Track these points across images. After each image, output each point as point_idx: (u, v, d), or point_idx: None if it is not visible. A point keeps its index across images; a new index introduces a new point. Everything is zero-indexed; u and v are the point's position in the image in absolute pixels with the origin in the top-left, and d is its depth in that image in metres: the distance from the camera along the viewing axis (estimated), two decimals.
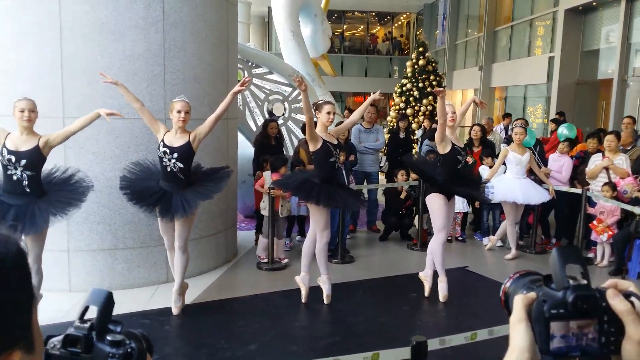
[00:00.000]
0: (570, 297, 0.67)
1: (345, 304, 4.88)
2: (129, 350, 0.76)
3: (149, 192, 4.36)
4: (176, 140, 4.32)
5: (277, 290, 5.16)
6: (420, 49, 13.20)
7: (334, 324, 4.50)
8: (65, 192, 4.20)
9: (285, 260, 5.91)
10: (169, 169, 4.33)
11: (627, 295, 0.69)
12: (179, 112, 4.29)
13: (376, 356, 2.72)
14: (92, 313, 0.77)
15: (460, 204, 6.77)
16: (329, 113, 4.59)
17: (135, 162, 4.55)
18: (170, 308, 4.51)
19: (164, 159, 4.31)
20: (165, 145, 4.30)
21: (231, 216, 6.07)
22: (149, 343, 0.80)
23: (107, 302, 0.77)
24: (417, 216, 6.82)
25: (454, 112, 4.88)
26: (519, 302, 0.71)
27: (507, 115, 11.35)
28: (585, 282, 0.69)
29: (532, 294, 0.72)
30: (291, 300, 4.92)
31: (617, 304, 0.68)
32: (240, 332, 4.24)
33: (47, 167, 4.24)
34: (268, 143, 6.59)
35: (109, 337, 0.76)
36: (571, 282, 0.69)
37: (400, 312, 4.76)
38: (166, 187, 4.36)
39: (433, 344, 2.84)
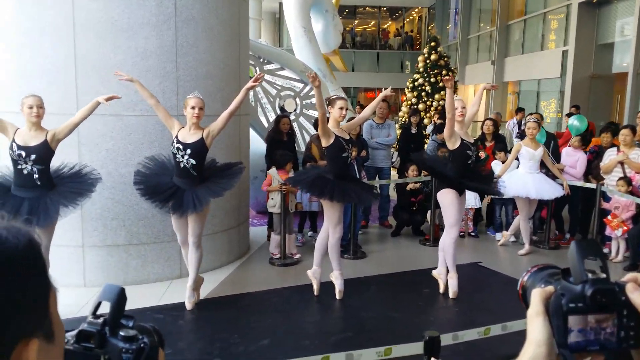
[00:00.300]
0: (588, 290, 0.67)
1: (357, 299, 4.88)
2: (141, 345, 0.77)
3: (162, 187, 4.38)
4: (190, 136, 4.34)
5: (289, 285, 5.18)
6: (432, 44, 13.13)
7: (346, 319, 4.51)
8: (75, 184, 4.30)
9: (298, 255, 5.93)
10: (182, 165, 4.35)
11: None
12: (192, 108, 4.31)
13: (389, 351, 2.72)
14: (105, 308, 0.79)
15: (473, 199, 6.74)
16: (341, 108, 4.59)
17: (150, 157, 4.58)
18: (183, 303, 4.55)
19: (177, 155, 4.33)
20: (178, 142, 4.32)
21: (243, 212, 6.10)
22: (160, 337, 0.82)
23: (120, 297, 0.78)
24: (429, 212, 6.80)
25: (464, 107, 4.85)
26: (537, 296, 0.71)
27: (519, 110, 11.27)
28: (604, 275, 0.69)
29: (550, 288, 0.71)
30: (303, 295, 4.93)
31: (637, 297, 0.67)
32: (253, 327, 4.26)
33: (56, 164, 4.34)
34: (280, 139, 6.60)
35: (121, 333, 0.77)
36: (590, 275, 0.68)
37: (412, 308, 4.76)
38: (179, 183, 4.39)
39: (446, 339, 2.84)
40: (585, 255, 0.69)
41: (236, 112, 5.41)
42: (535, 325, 0.70)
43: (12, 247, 0.59)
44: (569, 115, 9.35)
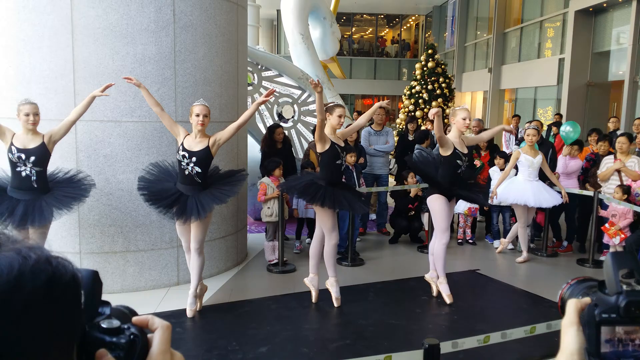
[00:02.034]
0: (622, 302, 0.67)
1: (356, 306, 4.86)
2: (131, 337, 0.65)
3: (166, 194, 4.37)
4: (195, 144, 4.34)
5: (287, 292, 5.16)
6: (430, 51, 13.18)
7: (344, 327, 4.49)
8: (70, 189, 4.38)
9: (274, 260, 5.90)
10: (186, 172, 4.35)
11: None
12: (197, 115, 4.30)
13: (389, 359, 2.71)
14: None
15: (461, 209, 6.77)
16: (340, 116, 4.60)
17: (153, 164, 4.58)
18: (181, 310, 4.52)
19: (183, 163, 4.33)
20: (184, 149, 4.32)
21: (241, 219, 6.09)
22: (133, 314, 0.71)
23: (94, 283, 0.65)
24: (424, 216, 6.77)
25: (470, 119, 4.86)
26: (572, 306, 0.72)
27: (515, 116, 11.28)
28: (639, 287, 0.69)
29: (587, 299, 0.72)
30: (301, 302, 4.91)
31: None
32: (251, 334, 4.24)
33: (50, 169, 4.42)
34: (274, 148, 6.58)
35: (103, 324, 0.64)
36: (624, 287, 0.68)
37: (411, 315, 4.74)
38: (183, 190, 4.38)
39: (445, 347, 2.82)
40: (620, 267, 0.69)
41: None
42: (569, 335, 0.71)
43: (59, 274, 0.57)
44: (556, 124, 9.20)
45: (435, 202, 4.87)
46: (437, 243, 4.90)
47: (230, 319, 4.56)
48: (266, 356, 3.87)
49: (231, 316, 4.64)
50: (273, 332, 4.28)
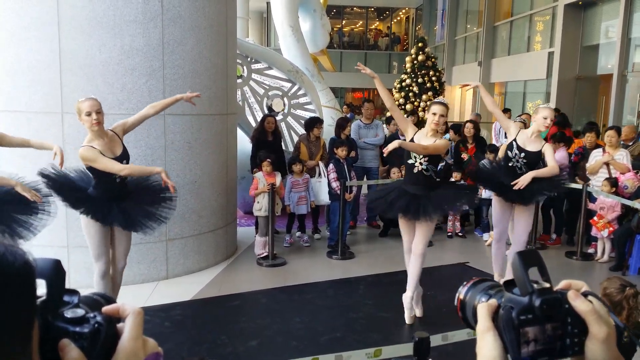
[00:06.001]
0: (536, 301, 0.67)
1: (346, 299, 4.86)
2: (95, 325, 0.62)
3: (74, 185, 3.78)
4: (113, 148, 3.74)
5: (277, 286, 5.14)
6: (420, 45, 13.17)
7: (334, 320, 4.49)
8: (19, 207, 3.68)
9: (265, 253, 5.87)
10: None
11: (584, 294, 0.70)
12: (88, 114, 3.56)
13: (379, 352, 2.71)
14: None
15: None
16: (434, 114, 4.16)
17: (75, 168, 3.98)
18: (170, 304, 4.50)
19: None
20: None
21: (231, 212, 6.05)
22: (110, 302, 0.69)
23: (57, 271, 0.63)
24: None
25: (550, 119, 4.54)
26: (483, 311, 0.71)
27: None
28: (548, 285, 0.69)
29: (494, 302, 0.71)
30: (291, 296, 4.90)
31: (580, 304, 0.68)
32: (241, 327, 4.23)
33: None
34: (265, 139, 6.55)
35: (67, 314, 0.62)
36: (535, 286, 0.68)
37: (401, 308, 4.73)
38: (98, 195, 3.79)
39: (436, 340, 2.82)
40: (528, 266, 0.69)
41: (223, 112, 5.34)
42: (487, 341, 0.69)
43: (9, 263, 0.56)
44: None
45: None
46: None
47: (219, 313, 4.54)
48: (256, 350, 3.86)
49: (221, 310, 4.62)
50: (263, 326, 4.27)
